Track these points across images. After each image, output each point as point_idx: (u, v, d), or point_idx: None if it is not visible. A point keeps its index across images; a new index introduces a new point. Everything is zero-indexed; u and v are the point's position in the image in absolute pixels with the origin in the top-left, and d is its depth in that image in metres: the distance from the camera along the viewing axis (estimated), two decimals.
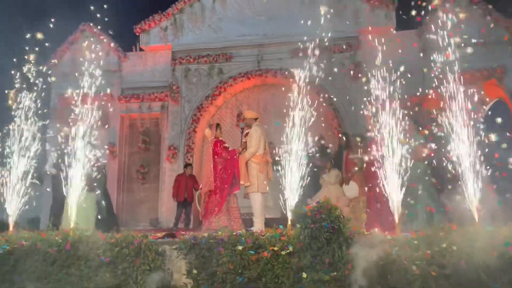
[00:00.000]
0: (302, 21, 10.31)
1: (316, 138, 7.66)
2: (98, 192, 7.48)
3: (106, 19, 10.17)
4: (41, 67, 6.81)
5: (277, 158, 5.75)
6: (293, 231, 4.90)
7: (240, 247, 4.76)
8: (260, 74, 10.64)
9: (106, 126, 10.06)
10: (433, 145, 6.11)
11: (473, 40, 9.56)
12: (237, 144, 7.51)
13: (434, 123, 6.20)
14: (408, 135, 5.82)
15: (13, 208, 6.12)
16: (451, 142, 5.11)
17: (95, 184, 7.22)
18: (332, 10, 10.60)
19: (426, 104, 8.48)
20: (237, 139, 9.14)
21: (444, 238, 4.31)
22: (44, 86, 6.75)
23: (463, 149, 4.99)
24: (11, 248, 5.25)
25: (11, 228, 6.02)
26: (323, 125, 9.82)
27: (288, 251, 4.61)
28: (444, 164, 5.29)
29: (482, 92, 5.99)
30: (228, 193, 6.60)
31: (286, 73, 8.72)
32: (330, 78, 10.16)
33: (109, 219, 7.70)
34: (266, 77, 10.65)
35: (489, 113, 6.15)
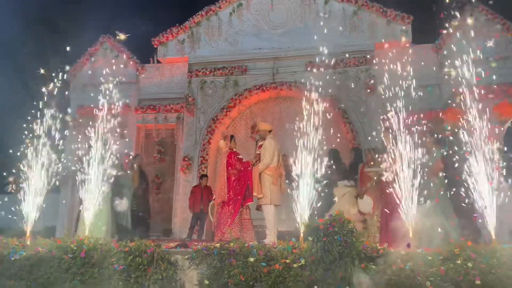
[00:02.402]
0: (317, 35, 10.44)
1: (330, 149, 7.62)
2: (124, 200, 7.67)
3: (125, 32, 10.45)
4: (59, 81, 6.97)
5: (291, 172, 5.73)
6: (305, 244, 4.87)
7: (252, 259, 4.75)
8: (275, 87, 10.71)
9: (124, 135, 10.25)
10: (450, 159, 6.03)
11: (492, 55, 9.52)
12: (251, 155, 7.53)
13: (452, 138, 6.13)
14: (424, 150, 5.76)
15: (30, 216, 6.25)
16: (468, 157, 5.04)
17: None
18: (348, 24, 10.72)
19: (443, 118, 8.41)
20: (252, 151, 9.18)
21: (459, 255, 4.24)
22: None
23: (480, 164, 4.91)
24: (27, 254, 5.35)
25: (28, 235, 6.14)
26: (338, 137, 9.82)
27: (300, 264, 4.57)
28: (461, 179, 5.21)
29: (496, 111, 5.91)
30: (241, 204, 6.61)
31: (301, 86, 8.76)
32: (345, 91, 10.22)
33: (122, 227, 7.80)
34: (281, 89, 10.71)
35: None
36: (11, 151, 6.64)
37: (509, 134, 5.66)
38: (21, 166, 6.35)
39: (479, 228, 5.03)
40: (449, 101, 8.40)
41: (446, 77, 4.83)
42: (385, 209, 6.61)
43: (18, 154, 6.48)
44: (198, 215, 9.27)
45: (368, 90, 10.10)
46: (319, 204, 5.48)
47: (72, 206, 10.43)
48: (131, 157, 8.88)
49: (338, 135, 9.74)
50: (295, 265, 4.57)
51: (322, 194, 5.47)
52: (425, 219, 5.17)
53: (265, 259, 4.74)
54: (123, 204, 7.80)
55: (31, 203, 6.25)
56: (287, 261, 4.62)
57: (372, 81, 10.04)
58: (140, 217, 8.38)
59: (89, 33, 12.10)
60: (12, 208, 6.39)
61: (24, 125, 6.60)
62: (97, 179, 6.13)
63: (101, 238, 5.59)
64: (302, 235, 5.13)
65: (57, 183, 6.75)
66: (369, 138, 9.55)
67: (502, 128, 5.84)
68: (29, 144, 6.34)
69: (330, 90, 8.61)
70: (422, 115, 5.81)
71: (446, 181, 6.25)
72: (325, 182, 5.49)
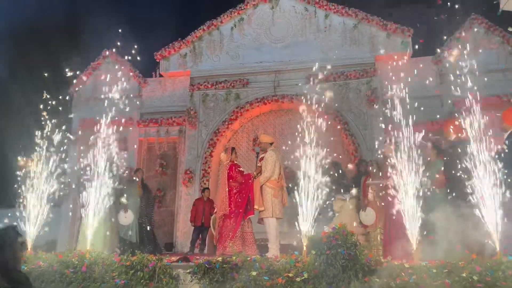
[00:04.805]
0: (318, 48, 10.54)
1: (332, 162, 7.60)
2: (128, 213, 7.66)
3: (126, 45, 10.55)
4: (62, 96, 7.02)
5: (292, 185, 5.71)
6: (308, 257, 4.83)
7: (254, 273, 4.70)
8: (276, 100, 10.76)
9: (126, 148, 10.27)
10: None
11: (492, 67, 9.57)
12: (252, 168, 7.52)
13: (453, 149, 6.12)
14: (427, 161, 5.75)
15: (32, 230, 6.22)
16: (470, 168, 5.02)
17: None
18: (348, 37, 10.81)
19: (445, 129, 8.40)
20: (253, 163, 9.17)
21: (464, 268, 4.20)
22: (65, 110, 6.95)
23: (482, 176, 4.89)
24: (28, 269, 5.31)
25: (29, 249, 6.11)
26: (339, 150, 9.82)
27: (303, 277, 4.53)
28: (464, 190, 5.19)
29: (500, 117, 5.91)
30: (243, 217, 6.57)
31: (302, 98, 8.80)
32: (346, 103, 10.26)
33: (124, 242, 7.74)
34: (282, 102, 10.75)
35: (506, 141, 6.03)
36: (13, 165, 6.65)
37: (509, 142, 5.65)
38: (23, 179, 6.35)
39: (483, 240, 4.97)
40: (451, 113, 8.41)
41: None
42: (388, 222, 6.58)
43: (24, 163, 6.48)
44: (200, 229, 9.22)
45: (369, 102, 10.13)
46: (321, 217, 5.46)
47: (74, 220, 10.38)
48: (132, 171, 8.89)
49: (339, 146, 9.76)
50: (298, 279, 4.52)
51: (319, 212, 5.41)
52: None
53: (268, 273, 4.70)
54: (127, 217, 7.76)
55: (32, 217, 6.23)
56: (290, 275, 4.57)
57: (372, 93, 10.09)
58: (147, 232, 8.34)
59: (91, 47, 12.23)
60: (15, 222, 6.36)
61: (27, 138, 6.62)
62: (99, 192, 6.12)
63: (103, 252, 5.56)
64: (305, 248, 5.09)
65: (59, 197, 6.74)
66: (371, 150, 9.57)
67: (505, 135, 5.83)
68: (28, 164, 6.33)
69: (331, 102, 8.63)
70: (423, 126, 5.80)
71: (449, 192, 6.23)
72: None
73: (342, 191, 7.59)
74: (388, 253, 5.75)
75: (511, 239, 4.74)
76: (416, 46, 10.30)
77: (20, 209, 6.31)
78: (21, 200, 6.32)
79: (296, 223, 5.38)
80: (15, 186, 6.44)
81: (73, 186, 8.18)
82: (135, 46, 10.81)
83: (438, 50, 10.30)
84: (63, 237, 10.61)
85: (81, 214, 6.28)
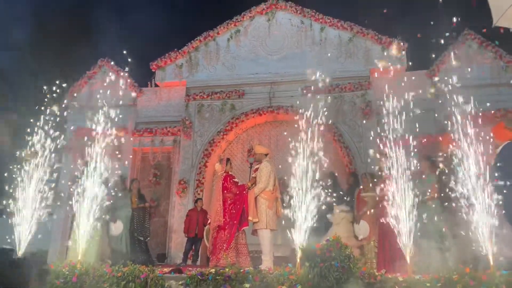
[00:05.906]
0: (314, 60, 10.61)
1: (328, 173, 7.60)
2: (117, 223, 7.58)
3: (123, 54, 10.58)
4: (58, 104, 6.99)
5: (287, 196, 5.69)
6: (302, 269, 4.80)
7: (247, 285, 4.68)
8: (271, 111, 10.80)
9: (120, 158, 10.20)
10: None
11: (485, 81, 9.69)
12: (247, 179, 7.49)
13: (447, 163, 6.15)
14: (420, 174, 5.77)
15: (22, 240, 6.13)
16: (463, 182, 5.04)
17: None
18: (343, 50, 10.92)
19: (438, 143, 8.45)
20: (248, 174, 9.15)
21: (457, 281, 4.19)
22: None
23: (476, 190, 4.91)
24: None
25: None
26: (334, 162, 9.83)
27: None
28: (456, 205, 5.21)
29: (491, 134, 5.96)
30: (237, 229, 6.53)
31: (298, 110, 8.83)
32: (341, 116, 10.31)
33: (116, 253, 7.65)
34: (277, 113, 10.80)
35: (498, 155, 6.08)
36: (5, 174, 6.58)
37: (501, 158, 5.69)
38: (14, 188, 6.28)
39: (477, 254, 4.98)
40: (445, 126, 8.47)
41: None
42: (382, 234, 6.57)
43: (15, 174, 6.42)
44: (193, 240, 9.14)
45: (363, 115, 10.19)
46: (315, 227, 5.43)
47: (66, 230, 10.27)
48: (126, 181, 8.84)
49: (334, 158, 9.77)
50: None
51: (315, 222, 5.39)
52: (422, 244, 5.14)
53: (261, 285, 4.67)
54: (116, 228, 7.70)
55: (23, 227, 6.14)
56: (284, 287, 4.55)
57: (367, 106, 10.16)
58: (139, 242, 8.26)
59: (87, 56, 12.24)
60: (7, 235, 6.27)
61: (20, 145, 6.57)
62: (90, 202, 6.06)
63: (94, 262, 5.49)
64: (298, 260, 5.05)
65: (51, 206, 6.67)
66: (365, 162, 9.59)
67: (497, 151, 5.88)
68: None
69: (326, 114, 8.66)
70: (417, 140, 5.83)
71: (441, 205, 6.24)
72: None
73: (343, 202, 7.56)
74: (382, 266, 5.73)
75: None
76: (409, 63, 10.42)
77: (10, 217, 6.23)
78: (10, 208, 6.24)
79: (290, 235, 5.35)
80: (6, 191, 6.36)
81: (65, 195, 8.10)
82: (131, 55, 10.84)
83: (433, 64, 10.42)
84: (54, 247, 10.48)
85: (73, 224, 6.20)
